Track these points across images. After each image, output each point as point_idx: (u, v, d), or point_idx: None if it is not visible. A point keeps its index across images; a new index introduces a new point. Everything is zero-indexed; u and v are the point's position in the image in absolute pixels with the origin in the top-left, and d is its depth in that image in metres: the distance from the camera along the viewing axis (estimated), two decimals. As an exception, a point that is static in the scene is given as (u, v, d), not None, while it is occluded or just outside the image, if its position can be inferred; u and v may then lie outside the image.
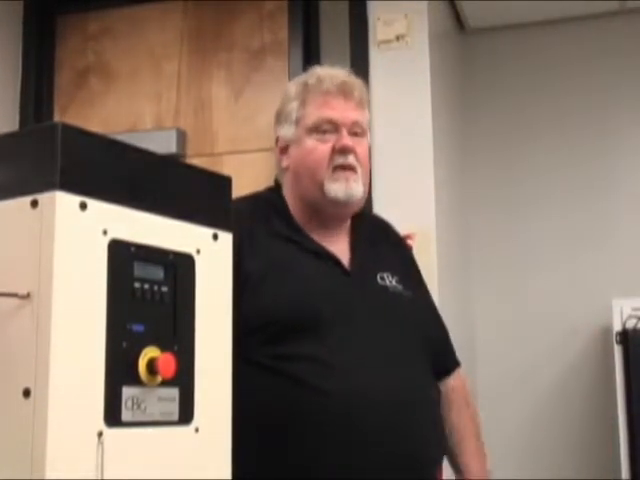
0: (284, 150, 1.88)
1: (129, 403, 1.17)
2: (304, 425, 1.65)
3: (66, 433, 1.08)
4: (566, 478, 3.17)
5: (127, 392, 1.17)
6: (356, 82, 1.86)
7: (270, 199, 1.89)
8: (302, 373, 1.65)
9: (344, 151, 1.77)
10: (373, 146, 2.90)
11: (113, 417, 1.14)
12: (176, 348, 1.24)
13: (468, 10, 3.48)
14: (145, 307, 1.21)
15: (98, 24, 3.28)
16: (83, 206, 1.13)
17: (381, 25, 2.94)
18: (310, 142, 1.80)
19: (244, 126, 3.06)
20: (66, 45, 3.31)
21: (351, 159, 1.78)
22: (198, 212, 1.31)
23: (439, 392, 1.88)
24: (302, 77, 1.91)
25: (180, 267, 1.27)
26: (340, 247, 1.83)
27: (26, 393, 1.08)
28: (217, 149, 3.08)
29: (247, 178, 2.94)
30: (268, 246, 1.78)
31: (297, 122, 1.83)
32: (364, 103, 1.87)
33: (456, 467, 1.94)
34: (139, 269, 1.21)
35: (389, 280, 1.82)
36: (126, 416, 1.17)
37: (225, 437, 1.31)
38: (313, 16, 3.07)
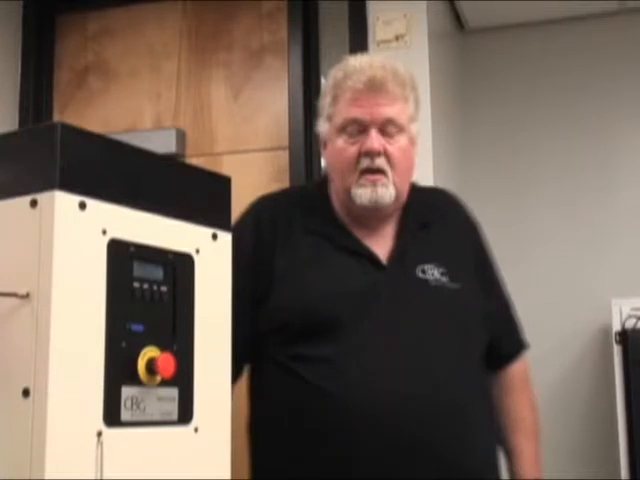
0: (325, 145, 1.81)
1: (128, 403, 1.17)
2: (309, 429, 1.63)
3: (65, 433, 1.08)
4: (566, 478, 3.17)
5: (126, 392, 1.17)
6: (392, 73, 1.72)
7: (312, 194, 1.83)
8: (312, 375, 1.63)
9: (370, 154, 1.68)
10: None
11: (112, 417, 1.14)
12: (175, 348, 1.24)
13: (467, 10, 3.48)
14: (144, 307, 1.21)
15: (97, 24, 3.28)
16: (82, 206, 1.13)
17: (380, 25, 2.94)
18: (339, 142, 1.72)
19: (244, 126, 3.06)
20: (65, 44, 3.31)
21: (379, 162, 1.68)
22: (197, 212, 1.31)
23: (486, 392, 1.77)
24: (339, 65, 1.79)
25: (179, 267, 1.27)
26: (383, 239, 1.75)
27: (25, 393, 1.08)
28: (216, 149, 3.07)
29: (247, 178, 2.94)
30: (300, 243, 1.74)
31: (329, 119, 1.76)
32: (402, 96, 1.73)
33: (509, 457, 1.87)
34: (138, 269, 1.21)
35: (431, 272, 1.72)
36: (125, 416, 1.17)
37: (224, 437, 1.31)
38: (312, 16, 3.07)
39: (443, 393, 1.63)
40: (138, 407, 1.19)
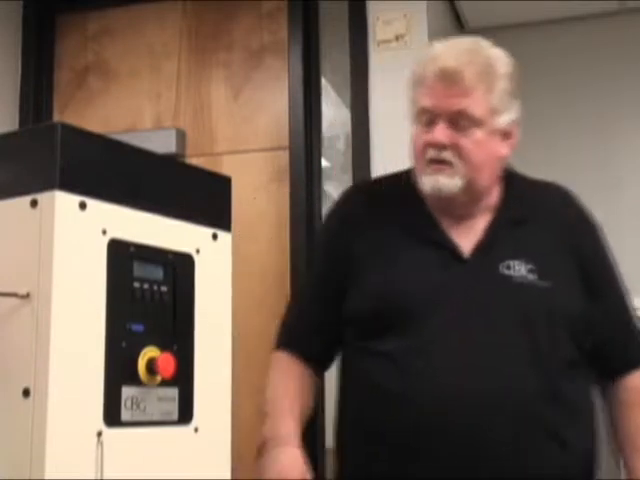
0: None
1: (128, 403, 1.17)
2: (372, 427, 1.60)
3: (65, 433, 1.08)
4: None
5: (126, 392, 1.17)
6: (472, 62, 1.65)
7: (404, 182, 1.77)
8: (374, 371, 1.61)
9: (433, 147, 1.64)
10: (372, 144, 2.90)
11: (112, 417, 1.14)
12: (176, 348, 1.24)
13: (467, 10, 3.48)
14: (145, 307, 1.21)
15: (97, 24, 3.27)
16: (82, 206, 1.13)
17: (380, 25, 2.93)
18: (415, 130, 1.69)
19: (243, 126, 3.06)
20: (65, 45, 3.31)
21: (444, 154, 1.63)
22: (197, 212, 1.31)
23: (576, 398, 1.65)
24: (427, 48, 1.75)
25: (180, 267, 1.27)
26: (472, 231, 1.70)
27: (26, 393, 1.08)
28: (216, 149, 3.07)
29: (246, 178, 2.94)
30: (381, 234, 1.71)
31: (413, 105, 1.72)
32: (481, 86, 1.64)
33: (630, 477, 1.75)
34: (138, 269, 1.21)
35: (517, 269, 1.65)
36: (125, 416, 1.16)
37: (225, 437, 1.31)
38: (313, 16, 3.07)
39: (507, 393, 1.56)
40: (138, 407, 1.19)
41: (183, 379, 1.25)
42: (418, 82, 1.69)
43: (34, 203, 1.11)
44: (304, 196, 2.92)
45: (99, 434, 1.13)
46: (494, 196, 1.74)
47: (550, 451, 1.57)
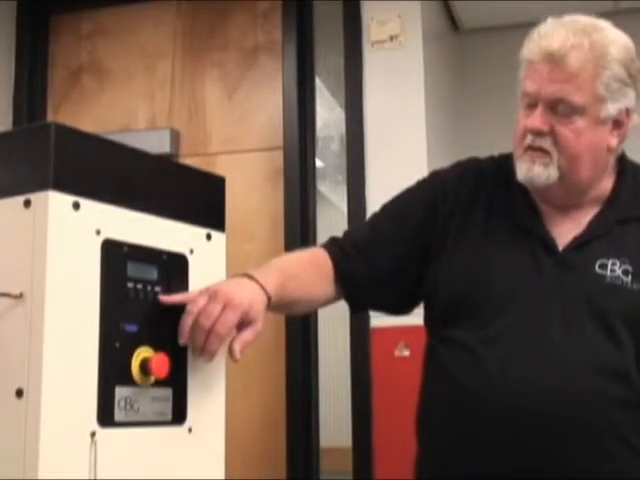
0: None
1: (122, 403, 1.17)
2: (441, 416, 1.57)
3: (59, 433, 1.08)
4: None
5: (120, 392, 1.17)
6: (578, 45, 1.56)
7: (509, 166, 1.67)
8: (448, 359, 1.57)
9: (529, 133, 1.57)
10: (366, 145, 2.90)
11: (106, 417, 1.14)
12: (169, 348, 1.24)
13: (462, 10, 3.48)
14: (138, 307, 1.21)
15: (91, 23, 3.27)
16: (76, 206, 1.13)
17: (375, 25, 2.94)
18: (519, 114, 1.62)
19: (238, 126, 3.06)
20: (59, 44, 3.31)
21: (540, 142, 1.56)
22: (191, 212, 1.31)
23: None
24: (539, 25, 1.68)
25: (173, 267, 1.27)
26: (574, 224, 1.62)
27: (19, 393, 1.08)
28: (211, 149, 3.07)
29: (241, 178, 2.95)
30: (478, 218, 1.64)
31: (519, 86, 1.64)
32: (587, 72, 1.55)
33: None
34: (132, 269, 1.21)
35: (612, 269, 1.56)
36: (119, 416, 1.16)
37: (218, 437, 1.31)
38: (307, 16, 3.07)
39: (582, 396, 1.50)
40: (132, 407, 1.19)
41: (177, 379, 1.25)
42: (523, 62, 1.61)
43: (27, 203, 1.11)
44: (298, 196, 2.93)
45: (92, 434, 1.12)
46: (605, 188, 1.64)
47: (622, 457, 1.51)
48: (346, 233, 1.73)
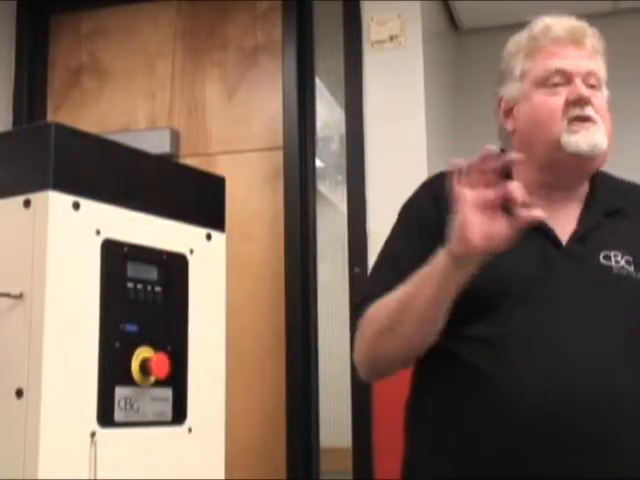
0: (508, 112, 1.70)
1: (122, 403, 1.17)
2: (468, 412, 1.56)
3: (59, 433, 1.08)
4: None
5: (120, 392, 1.17)
6: (588, 29, 1.68)
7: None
8: (471, 356, 1.54)
9: (580, 102, 1.58)
10: (366, 145, 2.90)
11: (106, 417, 1.14)
12: (169, 348, 1.24)
13: (462, 10, 3.48)
14: (138, 307, 1.21)
15: (91, 23, 3.27)
16: (76, 206, 1.13)
17: (375, 25, 2.94)
18: (539, 97, 1.61)
19: (238, 126, 3.06)
20: (59, 44, 3.31)
21: (589, 110, 1.59)
22: (191, 212, 1.31)
23: None
24: (524, 30, 1.72)
25: (173, 267, 1.27)
26: (567, 219, 1.65)
27: (19, 393, 1.08)
28: (211, 149, 3.07)
29: (241, 178, 2.94)
30: None
31: (522, 77, 1.66)
32: (598, 53, 1.68)
33: None
34: (132, 269, 1.21)
35: (616, 260, 1.59)
36: (119, 416, 1.16)
37: (219, 437, 1.31)
38: (307, 16, 3.07)
39: (603, 390, 1.50)
40: (132, 407, 1.19)
41: (177, 379, 1.25)
42: (539, 48, 1.65)
43: (27, 203, 1.11)
44: (298, 196, 2.92)
45: (93, 434, 1.13)
46: (586, 185, 1.69)
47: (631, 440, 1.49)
48: (369, 290, 1.66)
